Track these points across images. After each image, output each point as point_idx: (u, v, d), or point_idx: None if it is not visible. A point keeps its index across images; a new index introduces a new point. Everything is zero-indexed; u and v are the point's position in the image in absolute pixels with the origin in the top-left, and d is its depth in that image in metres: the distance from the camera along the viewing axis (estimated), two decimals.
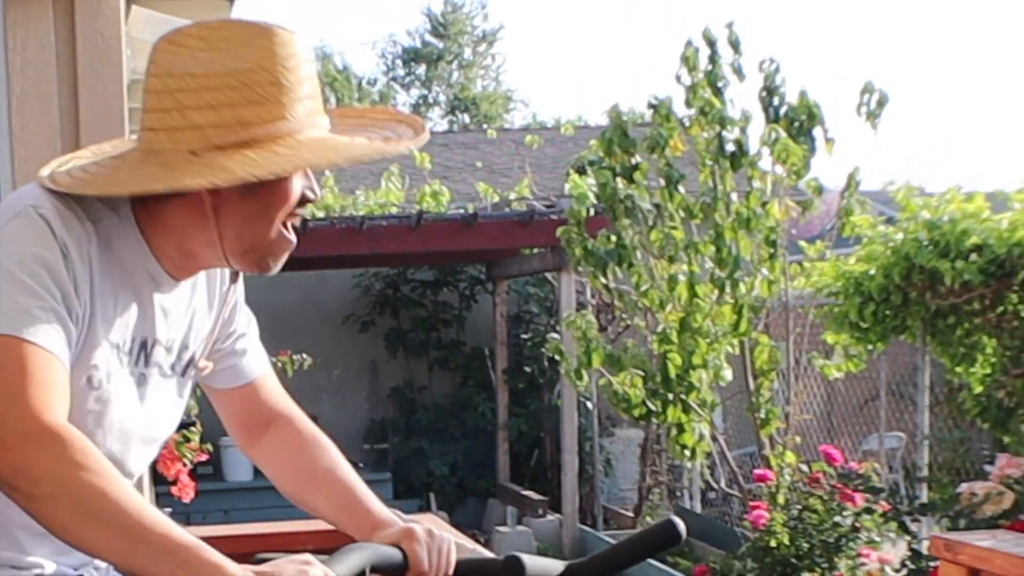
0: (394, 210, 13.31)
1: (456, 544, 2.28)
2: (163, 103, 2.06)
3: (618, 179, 8.10)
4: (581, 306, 11.44)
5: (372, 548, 2.12)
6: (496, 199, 13.71)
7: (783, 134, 7.51)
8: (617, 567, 2.37)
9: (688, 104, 7.97)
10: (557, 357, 8.96)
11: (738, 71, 7.83)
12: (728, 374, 7.88)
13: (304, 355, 10.86)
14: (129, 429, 2.21)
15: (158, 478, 9.98)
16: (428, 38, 35.97)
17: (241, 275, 2.39)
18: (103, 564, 2.27)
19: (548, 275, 12.91)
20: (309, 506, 2.41)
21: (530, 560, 2.22)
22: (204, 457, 10.38)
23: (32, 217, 2.00)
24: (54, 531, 1.87)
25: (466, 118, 35.23)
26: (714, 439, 8.21)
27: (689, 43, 7.90)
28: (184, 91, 2.03)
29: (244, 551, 1.94)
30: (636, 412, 7.77)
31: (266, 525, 4.43)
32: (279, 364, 10.93)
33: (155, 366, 2.23)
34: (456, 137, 20.09)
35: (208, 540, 1.90)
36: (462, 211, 12.57)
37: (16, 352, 1.90)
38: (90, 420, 2.12)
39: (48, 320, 1.94)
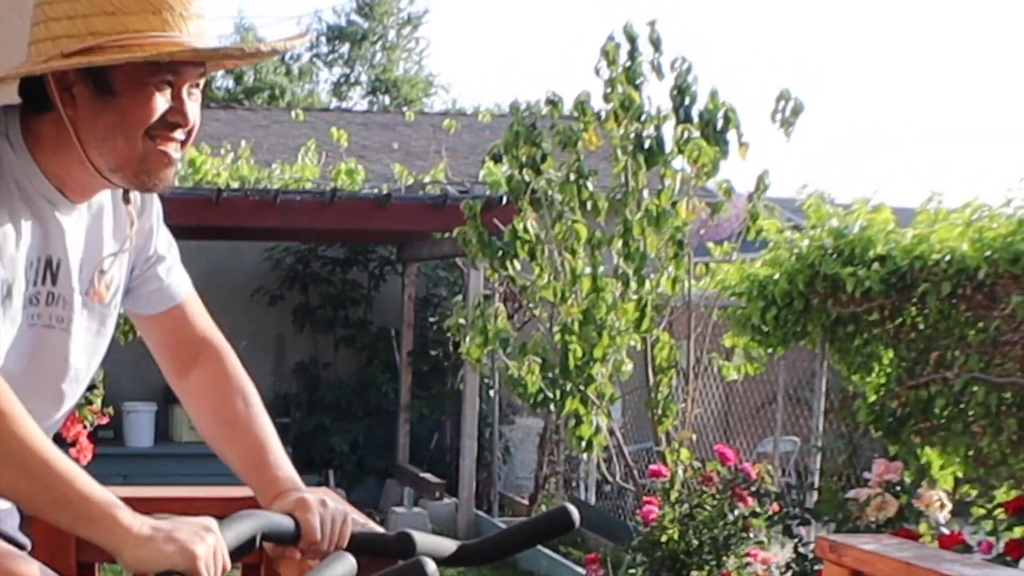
0: (308, 185, 13.30)
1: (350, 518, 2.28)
2: (36, 18, 2.11)
3: (524, 170, 8.09)
4: (489, 293, 11.47)
5: (263, 516, 2.14)
6: (411, 181, 13.73)
7: (696, 134, 7.57)
8: (510, 550, 2.41)
9: (606, 99, 7.98)
10: (455, 335, 9.00)
11: (657, 69, 7.85)
12: (629, 368, 7.96)
13: None
14: (51, 352, 2.24)
15: (57, 439, 9.90)
16: (353, 17, 35.90)
17: (156, 197, 2.40)
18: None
19: (458, 260, 12.93)
20: (223, 456, 2.41)
21: (421, 537, 2.24)
22: (105, 420, 10.33)
23: None
24: None
25: (386, 100, 35.15)
26: (611, 432, 8.28)
27: (610, 37, 7.92)
28: (50, 3, 2.08)
29: (140, 512, 1.96)
30: (532, 399, 7.83)
31: (164, 489, 4.39)
32: None
33: (68, 288, 2.23)
34: (375, 117, 20.11)
35: None
36: (376, 191, 12.57)
37: None
38: (16, 350, 2.14)
39: None
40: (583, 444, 7.94)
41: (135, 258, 2.40)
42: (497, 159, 10.17)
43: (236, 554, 1.99)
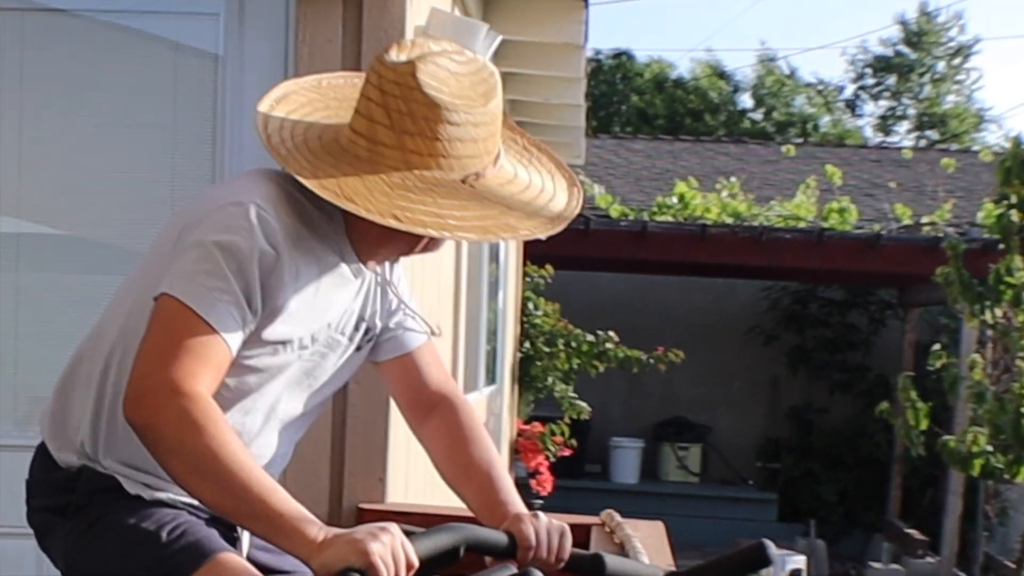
0: (801, 224, 12.89)
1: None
2: None
3: (1013, 211, 7.67)
4: (982, 343, 10.80)
5: (469, 529, 2.24)
6: (909, 222, 13.10)
7: None
8: None
9: None
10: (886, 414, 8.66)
11: None
12: None
13: (677, 352, 10.73)
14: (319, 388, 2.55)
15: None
16: (901, 48, 34.79)
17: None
18: None
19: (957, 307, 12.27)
20: (460, 496, 2.63)
21: (616, 560, 2.35)
22: (567, 452, 10.38)
23: (247, 211, 2.27)
24: (172, 479, 2.19)
25: (934, 135, 33.98)
26: None
27: None
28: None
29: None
30: (974, 467, 7.33)
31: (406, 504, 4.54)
32: (650, 360, 10.83)
33: (352, 340, 2.55)
34: (888, 154, 19.07)
35: None
36: (865, 231, 12.10)
37: (182, 320, 2.20)
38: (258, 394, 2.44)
39: (225, 304, 2.22)
40: None
41: (383, 309, 2.64)
42: (1000, 200, 9.64)
43: (436, 563, 2.14)
